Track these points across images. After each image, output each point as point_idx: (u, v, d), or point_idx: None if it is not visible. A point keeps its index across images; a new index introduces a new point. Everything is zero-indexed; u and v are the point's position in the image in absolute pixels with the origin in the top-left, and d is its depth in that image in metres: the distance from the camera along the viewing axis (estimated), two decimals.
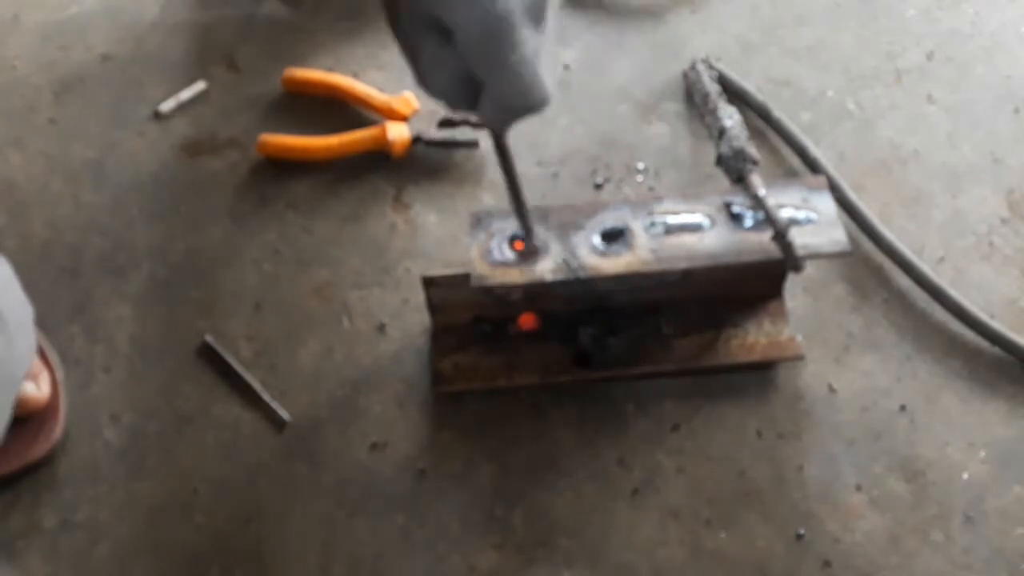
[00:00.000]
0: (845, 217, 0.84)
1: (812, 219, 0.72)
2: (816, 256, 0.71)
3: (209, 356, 0.81)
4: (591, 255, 0.71)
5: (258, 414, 0.79)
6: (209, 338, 0.82)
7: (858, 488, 0.74)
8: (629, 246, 0.72)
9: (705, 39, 0.99)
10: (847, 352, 0.80)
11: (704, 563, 0.71)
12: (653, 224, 0.73)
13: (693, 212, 0.73)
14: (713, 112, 0.86)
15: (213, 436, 0.78)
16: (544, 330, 0.78)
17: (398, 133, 0.90)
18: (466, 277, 0.71)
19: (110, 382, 0.80)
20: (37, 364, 0.77)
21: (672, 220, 0.73)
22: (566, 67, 0.97)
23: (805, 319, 0.81)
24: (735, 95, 0.92)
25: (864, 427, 0.76)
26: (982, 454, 0.75)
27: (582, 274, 0.70)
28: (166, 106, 0.96)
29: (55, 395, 0.78)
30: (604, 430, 0.77)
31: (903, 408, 0.77)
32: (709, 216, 0.73)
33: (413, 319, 0.82)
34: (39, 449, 0.75)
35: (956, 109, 0.93)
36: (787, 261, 0.71)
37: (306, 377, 0.80)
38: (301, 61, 0.98)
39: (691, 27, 1.00)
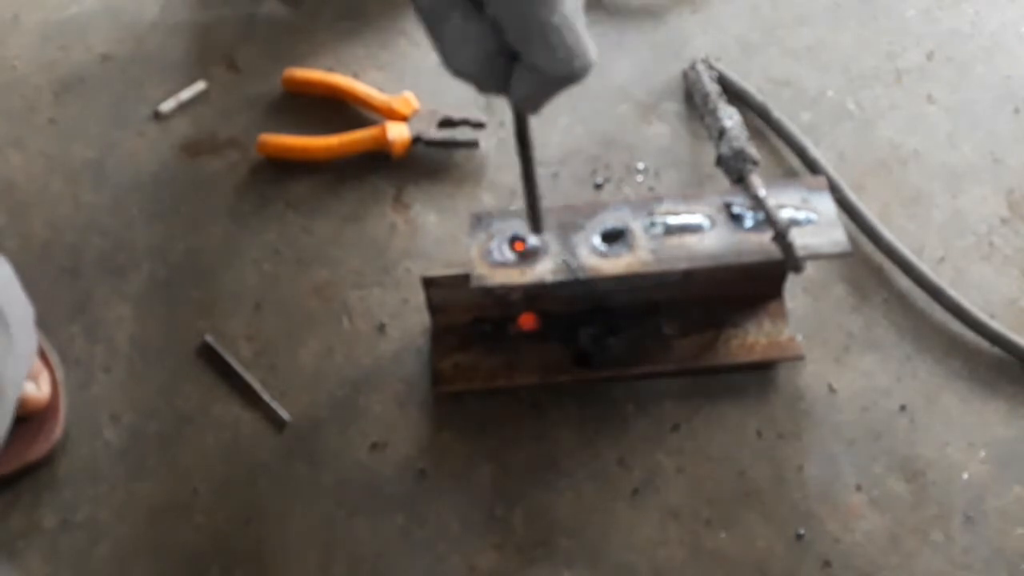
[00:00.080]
0: (845, 217, 0.84)
1: (812, 219, 0.72)
2: (816, 257, 0.71)
3: (209, 356, 0.81)
4: (591, 256, 0.71)
5: (258, 414, 0.79)
6: (209, 338, 0.82)
7: (858, 488, 0.74)
8: (629, 247, 0.72)
9: (705, 39, 0.99)
10: (847, 352, 0.80)
11: (704, 563, 0.71)
12: (653, 224, 0.73)
13: (693, 213, 0.73)
14: (713, 112, 0.86)
15: (213, 436, 0.78)
16: (544, 330, 0.78)
17: (398, 133, 0.90)
18: (466, 277, 0.71)
19: (110, 382, 0.80)
20: (37, 364, 0.77)
21: (672, 221, 0.73)
22: None
23: (805, 319, 0.81)
24: (735, 95, 0.92)
25: (864, 427, 0.76)
26: (982, 454, 0.75)
27: (582, 275, 0.70)
28: (166, 106, 0.96)
29: (55, 395, 0.78)
30: (604, 430, 0.77)
31: (903, 408, 0.77)
32: (709, 217, 0.73)
33: (413, 319, 0.82)
34: (39, 449, 0.75)
35: (956, 109, 0.93)
36: (787, 262, 0.71)
37: (306, 377, 0.80)
38: (301, 61, 0.98)
39: (691, 27, 1.00)
